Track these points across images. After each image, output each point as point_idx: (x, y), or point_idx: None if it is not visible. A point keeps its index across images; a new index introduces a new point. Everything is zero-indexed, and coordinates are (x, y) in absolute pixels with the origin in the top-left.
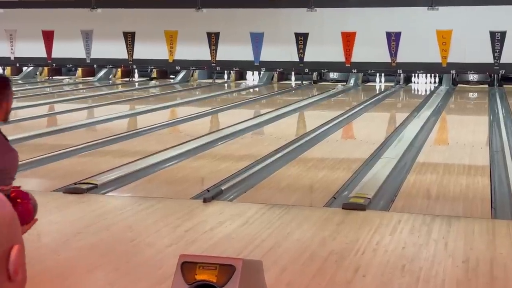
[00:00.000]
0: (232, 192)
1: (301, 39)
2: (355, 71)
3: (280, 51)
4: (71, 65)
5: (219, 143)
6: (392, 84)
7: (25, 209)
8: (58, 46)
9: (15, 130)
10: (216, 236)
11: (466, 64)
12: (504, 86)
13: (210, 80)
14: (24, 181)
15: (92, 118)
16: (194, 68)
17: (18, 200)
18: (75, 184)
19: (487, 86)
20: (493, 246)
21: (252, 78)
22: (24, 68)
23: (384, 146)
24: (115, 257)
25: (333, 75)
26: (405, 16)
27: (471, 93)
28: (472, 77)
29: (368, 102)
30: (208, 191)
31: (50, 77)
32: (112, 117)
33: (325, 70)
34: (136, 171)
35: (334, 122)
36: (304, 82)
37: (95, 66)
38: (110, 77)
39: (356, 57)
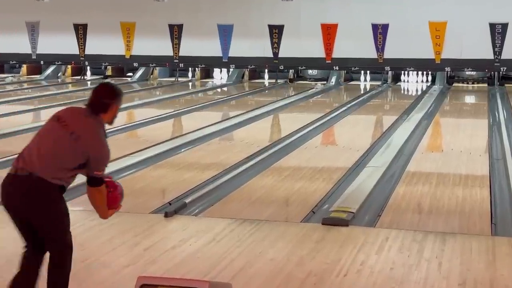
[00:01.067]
0: (197, 206)
1: (276, 32)
2: (337, 68)
3: (252, 45)
4: (14, 62)
5: (183, 150)
6: (379, 83)
7: (113, 196)
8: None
9: None
10: (179, 256)
11: (462, 60)
12: (506, 85)
13: (173, 79)
14: None
15: (38, 122)
16: (154, 65)
17: (109, 189)
18: None
19: (486, 85)
20: (493, 267)
21: (220, 76)
22: None
23: (370, 153)
24: None
25: (312, 72)
26: (394, 5)
27: (468, 94)
28: (470, 75)
29: (352, 104)
30: (170, 204)
31: None
32: None
33: (303, 67)
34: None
35: (313, 126)
36: (279, 81)
37: (41, 62)
38: (59, 75)
39: (338, 52)
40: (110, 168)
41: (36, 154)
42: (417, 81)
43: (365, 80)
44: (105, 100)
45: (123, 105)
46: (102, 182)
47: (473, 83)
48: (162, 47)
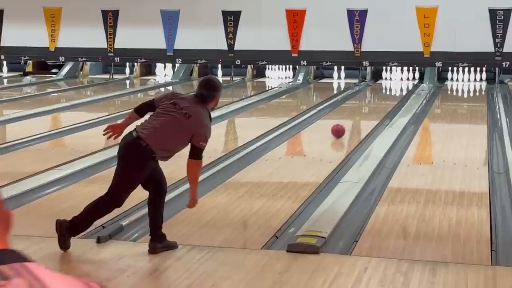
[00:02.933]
0: (136, 229)
1: (231, 19)
2: (305, 63)
3: (202, 36)
4: None
5: None
6: (356, 81)
7: None
8: None
9: None
10: None
11: (456, 53)
12: (509, 83)
13: (107, 76)
14: None
15: None
16: (84, 59)
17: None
18: None
19: (485, 83)
20: None
21: (163, 72)
22: None
23: (345, 166)
24: None
25: (275, 68)
26: None
27: (464, 93)
28: (465, 71)
29: (323, 106)
30: (104, 227)
31: None
32: None
33: (264, 62)
34: (4, 201)
35: (276, 133)
36: (234, 79)
37: None
38: None
39: (306, 44)
40: (30, 184)
41: (153, 131)
42: (401, 79)
43: (339, 77)
44: (212, 93)
45: (46, 108)
46: (202, 156)
47: (469, 81)
48: (94, 37)
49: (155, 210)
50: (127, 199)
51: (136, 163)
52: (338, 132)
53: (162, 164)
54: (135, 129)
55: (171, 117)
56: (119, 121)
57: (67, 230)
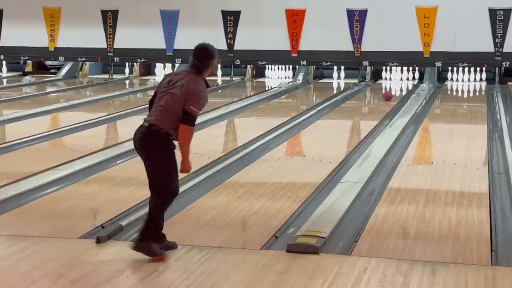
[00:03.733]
0: (135, 229)
1: (230, 19)
2: (304, 63)
3: (202, 36)
4: None
5: (118, 162)
6: (355, 81)
7: None
8: None
9: None
10: None
11: (456, 53)
12: (508, 83)
13: (106, 76)
14: None
15: None
16: (83, 59)
17: None
18: None
19: (485, 83)
20: None
21: (163, 72)
22: None
23: (344, 166)
24: None
25: (275, 68)
26: None
27: (464, 94)
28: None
29: (322, 106)
30: (103, 227)
31: None
32: None
33: (264, 62)
34: (3, 201)
35: (276, 133)
36: (234, 79)
37: None
38: None
39: (306, 44)
40: (29, 184)
41: (159, 111)
42: (401, 79)
43: (339, 77)
44: (206, 62)
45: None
46: (194, 122)
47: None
48: (94, 37)
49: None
50: (127, 199)
51: (161, 148)
52: (387, 97)
53: None
54: (144, 120)
55: (169, 95)
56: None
57: (141, 244)
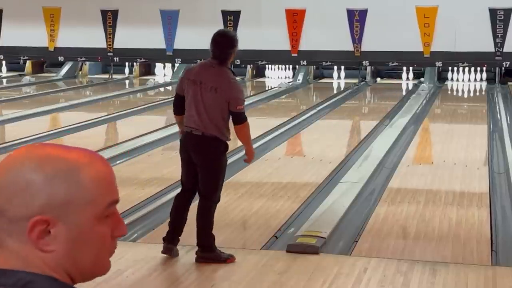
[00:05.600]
0: (135, 229)
1: (231, 19)
2: (305, 63)
3: (202, 35)
4: None
5: (118, 162)
6: (355, 80)
7: None
8: None
9: None
10: None
11: (456, 53)
12: (509, 83)
13: (106, 76)
14: None
15: None
16: (83, 59)
17: None
18: None
19: (485, 83)
20: None
21: (163, 72)
22: None
23: (345, 166)
24: None
25: (275, 68)
26: None
27: (464, 94)
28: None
29: (323, 106)
30: None
31: None
32: None
33: (263, 62)
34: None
35: (276, 133)
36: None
37: None
38: None
39: (306, 44)
40: None
41: (198, 117)
42: (401, 78)
43: (339, 77)
44: (228, 51)
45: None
46: (245, 117)
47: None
48: (93, 37)
49: (185, 214)
50: (127, 199)
51: (211, 155)
52: None
53: (161, 164)
54: (185, 126)
55: (202, 98)
56: (179, 131)
57: (201, 253)
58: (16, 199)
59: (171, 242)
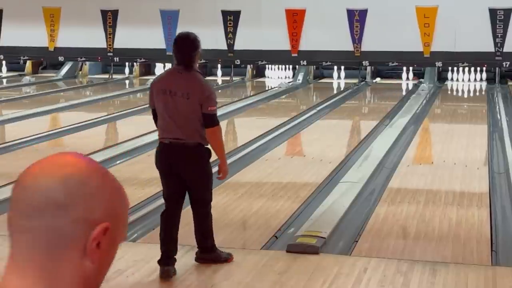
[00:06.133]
0: (135, 229)
1: (231, 19)
2: (305, 63)
3: (202, 35)
4: None
5: (118, 162)
6: (356, 81)
7: None
8: None
9: None
10: None
11: (456, 53)
12: (509, 83)
13: (106, 76)
14: None
15: None
16: (83, 59)
17: None
18: None
19: (485, 83)
20: None
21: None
22: None
23: (345, 166)
24: None
25: (275, 68)
26: None
27: (464, 94)
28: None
29: (323, 106)
30: None
31: None
32: None
33: (264, 62)
34: (3, 201)
35: (276, 133)
36: (234, 78)
37: None
38: None
39: (306, 44)
40: None
41: (175, 126)
42: (401, 78)
43: (339, 77)
44: (191, 53)
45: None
46: (217, 120)
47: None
48: (93, 37)
49: (176, 225)
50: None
51: (199, 163)
52: None
53: None
54: (162, 138)
55: (176, 107)
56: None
57: (201, 253)
58: (85, 199)
59: (167, 264)
